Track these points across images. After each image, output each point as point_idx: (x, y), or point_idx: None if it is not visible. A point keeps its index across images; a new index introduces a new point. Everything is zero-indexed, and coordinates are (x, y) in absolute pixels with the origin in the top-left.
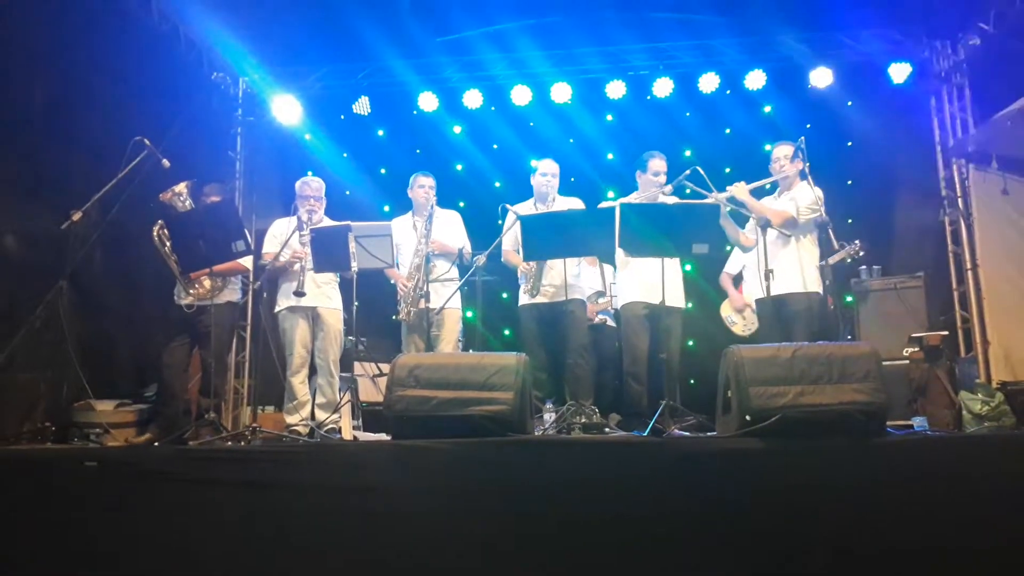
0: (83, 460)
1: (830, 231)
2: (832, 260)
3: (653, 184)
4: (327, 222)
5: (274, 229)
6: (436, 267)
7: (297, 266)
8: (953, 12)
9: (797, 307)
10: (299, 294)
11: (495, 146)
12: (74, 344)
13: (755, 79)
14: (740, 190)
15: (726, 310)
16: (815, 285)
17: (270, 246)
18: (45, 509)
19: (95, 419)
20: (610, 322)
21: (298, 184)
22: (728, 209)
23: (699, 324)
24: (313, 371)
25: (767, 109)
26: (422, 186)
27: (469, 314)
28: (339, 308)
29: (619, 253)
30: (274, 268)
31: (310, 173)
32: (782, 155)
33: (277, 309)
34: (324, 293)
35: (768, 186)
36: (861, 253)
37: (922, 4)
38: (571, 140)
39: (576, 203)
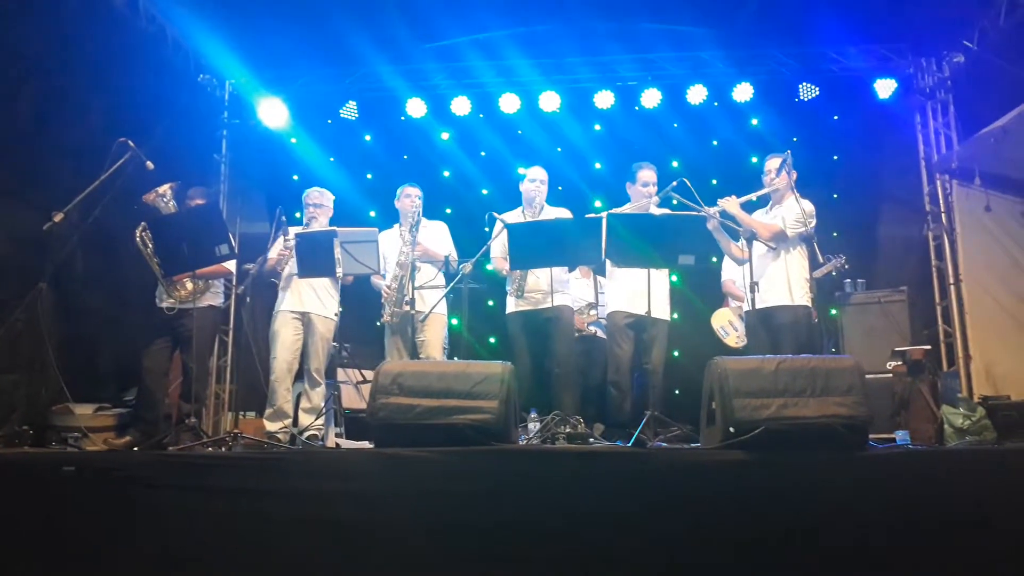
0: (61, 465)
1: (815, 244)
2: (818, 274)
3: (642, 195)
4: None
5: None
6: (421, 272)
7: (286, 268)
8: (938, 30)
9: (784, 320)
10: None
11: (483, 153)
12: (53, 346)
13: (742, 92)
14: (731, 204)
15: (719, 320)
16: (803, 299)
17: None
18: (21, 514)
19: (74, 423)
20: (600, 333)
21: (304, 193)
22: (719, 223)
23: (685, 334)
24: (298, 376)
25: (754, 122)
26: (408, 196)
27: (455, 321)
28: (332, 317)
29: (608, 263)
30: (258, 272)
31: (295, 177)
32: (772, 168)
33: (275, 311)
34: (320, 300)
35: (756, 199)
36: (846, 267)
37: (908, 21)
38: (559, 149)
39: (565, 213)
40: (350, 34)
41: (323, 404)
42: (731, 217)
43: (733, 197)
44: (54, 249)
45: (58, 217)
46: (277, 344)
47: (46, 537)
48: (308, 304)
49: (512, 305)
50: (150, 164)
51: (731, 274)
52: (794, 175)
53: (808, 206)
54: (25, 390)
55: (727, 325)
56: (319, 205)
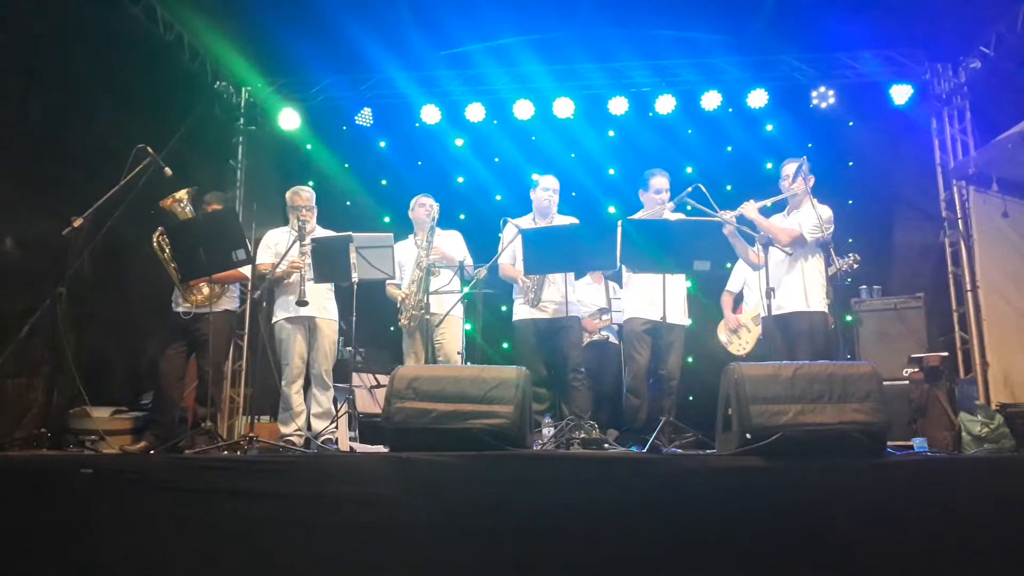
0: (78, 467)
1: (831, 250)
2: (828, 271)
3: (655, 202)
4: (319, 231)
5: (268, 239)
6: (438, 277)
7: (295, 276)
8: (954, 35)
9: (800, 326)
10: (302, 303)
11: (497, 159)
12: (71, 350)
13: (757, 98)
14: (749, 208)
15: (721, 331)
16: (819, 304)
17: (265, 256)
18: (39, 516)
19: (91, 426)
20: (612, 339)
21: (288, 194)
22: (735, 228)
23: (699, 341)
24: (309, 382)
25: (769, 128)
26: (423, 205)
27: (468, 327)
28: (335, 319)
29: (625, 269)
30: (274, 279)
31: (310, 183)
32: (789, 172)
33: (274, 320)
34: (321, 303)
35: (771, 204)
36: (855, 266)
37: (924, 27)
38: (573, 155)
39: (575, 221)
40: (365, 42)
41: (333, 407)
42: (749, 222)
43: (752, 201)
44: (72, 254)
45: (78, 222)
46: (285, 350)
47: (63, 539)
48: (310, 308)
49: (524, 312)
50: (168, 170)
51: (731, 287)
52: (811, 180)
53: (826, 212)
54: (40, 393)
55: (728, 334)
56: (311, 207)
